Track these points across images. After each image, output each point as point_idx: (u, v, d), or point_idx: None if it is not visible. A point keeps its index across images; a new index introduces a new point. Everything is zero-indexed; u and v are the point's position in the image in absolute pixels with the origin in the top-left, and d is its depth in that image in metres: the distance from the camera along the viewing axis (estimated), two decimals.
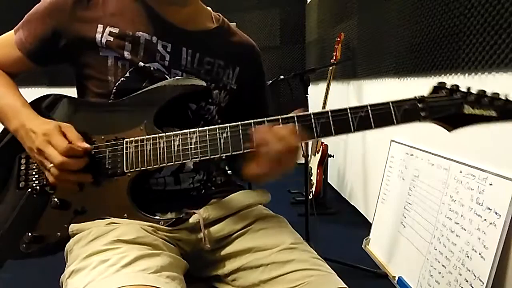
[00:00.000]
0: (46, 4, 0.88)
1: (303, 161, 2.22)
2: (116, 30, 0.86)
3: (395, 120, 0.77)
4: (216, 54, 0.94)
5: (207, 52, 0.92)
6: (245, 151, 0.78)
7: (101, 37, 0.86)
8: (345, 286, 0.78)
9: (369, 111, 0.77)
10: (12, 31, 0.92)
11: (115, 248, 0.74)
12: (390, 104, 0.77)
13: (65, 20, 0.87)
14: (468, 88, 0.78)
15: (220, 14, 1.01)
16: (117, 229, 0.79)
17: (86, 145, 0.81)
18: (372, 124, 0.77)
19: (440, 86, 0.79)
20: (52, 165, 0.79)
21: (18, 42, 0.90)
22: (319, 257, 0.85)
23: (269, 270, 0.81)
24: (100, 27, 0.86)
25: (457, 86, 0.78)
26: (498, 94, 0.76)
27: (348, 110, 0.77)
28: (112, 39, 0.86)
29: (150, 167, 0.82)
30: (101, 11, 0.87)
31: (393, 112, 0.77)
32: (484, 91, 0.77)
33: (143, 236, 0.78)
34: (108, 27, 0.86)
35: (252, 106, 1.01)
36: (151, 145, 0.82)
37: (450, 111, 0.77)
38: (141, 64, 0.87)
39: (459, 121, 0.77)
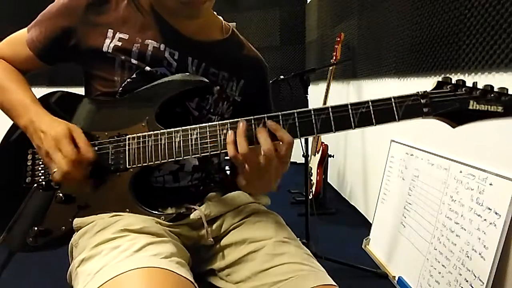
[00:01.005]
0: (59, 4, 0.89)
1: (303, 161, 2.23)
2: (126, 37, 0.87)
3: (397, 116, 0.75)
4: (221, 66, 0.94)
5: (212, 63, 0.93)
6: None
7: (110, 42, 0.87)
8: (335, 283, 0.78)
9: (370, 107, 0.76)
10: (26, 29, 0.93)
11: (124, 236, 0.76)
12: (392, 99, 0.76)
13: (77, 22, 0.87)
14: (474, 83, 0.75)
15: (229, 24, 1.01)
16: (122, 220, 0.80)
17: (92, 155, 0.82)
18: (373, 121, 0.76)
19: (445, 81, 0.77)
20: (56, 169, 0.81)
21: (29, 41, 0.91)
22: (311, 255, 0.86)
23: (262, 262, 0.82)
24: (110, 32, 0.87)
25: (463, 82, 0.76)
26: (505, 89, 0.74)
27: (349, 106, 0.76)
28: (120, 44, 0.87)
29: (152, 163, 0.83)
30: (112, 16, 0.88)
31: (395, 108, 0.76)
32: (490, 86, 0.75)
33: (149, 226, 0.79)
34: (118, 33, 0.87)
35: None
36: (153, 141, 0.83)
37: (454, 106, 0.75)
38: (148, 68, 0.88)
39: (463, 117, 0.75)
